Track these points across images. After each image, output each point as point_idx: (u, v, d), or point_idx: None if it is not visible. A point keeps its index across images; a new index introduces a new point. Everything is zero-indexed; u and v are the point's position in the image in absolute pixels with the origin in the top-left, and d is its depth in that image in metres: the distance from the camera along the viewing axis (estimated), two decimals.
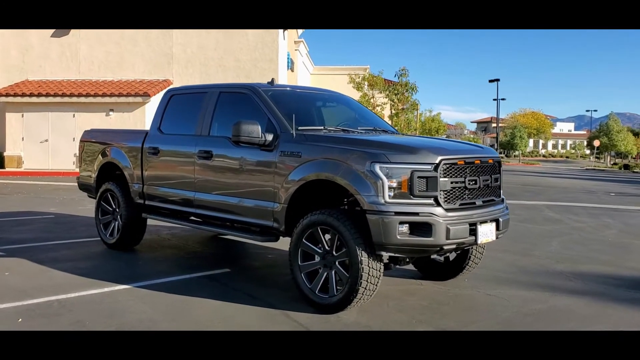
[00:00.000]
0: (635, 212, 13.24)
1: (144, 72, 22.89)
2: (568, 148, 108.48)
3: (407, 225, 4.59)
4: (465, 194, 4.92)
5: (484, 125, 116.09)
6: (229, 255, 7.53)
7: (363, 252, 4.67)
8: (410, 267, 6.21)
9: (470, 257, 5.89)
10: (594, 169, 46.56)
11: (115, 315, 4.81)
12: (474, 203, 5.00)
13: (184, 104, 6.76)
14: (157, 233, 8.65)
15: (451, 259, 6.10)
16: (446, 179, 4.74)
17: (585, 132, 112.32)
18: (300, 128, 5.40)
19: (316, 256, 5.07)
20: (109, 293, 5.47)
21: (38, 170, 21.41)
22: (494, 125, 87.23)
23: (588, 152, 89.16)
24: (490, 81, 58.53)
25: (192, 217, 6.71)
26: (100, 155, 7.72)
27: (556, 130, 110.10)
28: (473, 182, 4.98)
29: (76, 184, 8.37)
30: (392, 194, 4.61)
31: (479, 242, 4.92)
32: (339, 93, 6.96)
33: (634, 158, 68.60)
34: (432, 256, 5.97)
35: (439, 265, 6.17)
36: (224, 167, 5.91)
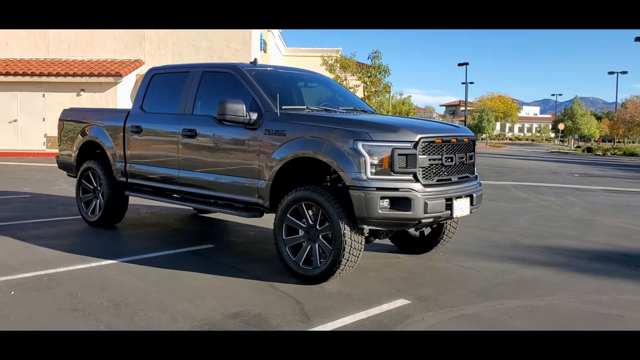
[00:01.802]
0: (598, 192, 13.80)
1: (115, 51, 22.59)
2: (533, 131, 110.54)
3: (387, 200, 4.84)
4: (442, 171, 5.19)
5: (452, 109, 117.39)
6: (211, 232, 7.69)
7: (346, 225, 4.91)
8: (387, 241, 6.49)
9: (444, 231, 6.19)
10: (559, 152, 47.73)
11: (106, 287, 4.96)
12: (450, 179, 5.28)
13: (166, 83, 6.86)
14: (137, 211, 8.75)
15: (426, 233, 6.40)
16: (424, 156, 5.00)
17: (550, 116, 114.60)
18: (283, 107, 5.58)
19: (300, 230, 5.29)
20: (97, 268, 5.60)
21: (6, 150, 21.04)
22: (462, 108, 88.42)
23: (553, 135, 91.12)
24: (460, 65, 59.35)
25: (175, 195, 6.86)
26: (80, 135, 7.75)
27: (522, 113, 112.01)
28: (449, 160, 5.25)
29: (49, 165, 8.44)
30: (373, 170, 4.85)
31: (454, 216, 5.21)
32: (319, 74, 7.15)
33: (596, 141, 70.35)
34: (409, 231, 6.27)
35: (415, 239, 6.46)
36: (208, 145, 6.06)
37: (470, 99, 73.43)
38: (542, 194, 12.82)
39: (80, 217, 7.79)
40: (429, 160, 5.04)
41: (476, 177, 5.82)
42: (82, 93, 21.20)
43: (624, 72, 64.13)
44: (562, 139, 73.56)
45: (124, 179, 7.10)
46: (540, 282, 5.48)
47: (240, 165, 5.75)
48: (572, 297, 5.04)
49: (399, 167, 4.87)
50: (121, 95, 21.42)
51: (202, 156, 6.12)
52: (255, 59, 6.38)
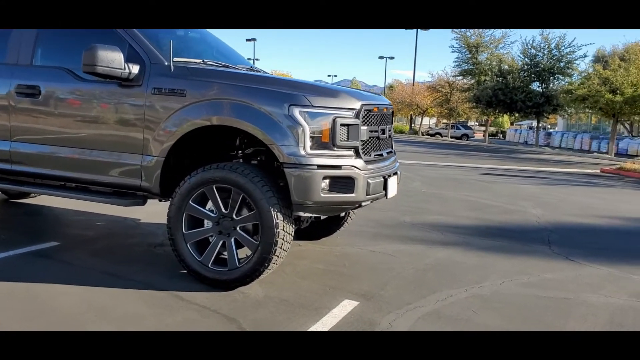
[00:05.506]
0: (419, 166, 14.45)
1: None
2: None
3: (328, 180, 3.92)
4: (376, 145, 4.42)
5: None
6: (43, 225, 5.89)
7: (278, 214, 3.87)
8: None
9: (349, 213, 5.47)
10: None
11: None
12: (382, 155, 4.54)
13: None
14: None
15: (322, 217, 5.59)
16: (365, 127, 4.16)
17: None
18: (176, 59, 4.25)
19: (207, 221, 4.11)
20: None
21: None
22: None
23: None
24: (248, 40, 59.32)
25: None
26: None
27: None
28: (382, 132, 4.50)
29: None
30: (311, 143, 3.88)
31: (388, 196, 4.49)
32: None
33: None
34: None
35: (313, 223, 5.62)
36: (60, 108, 4.42)
37: None
38: None
39: None
40: (369, 132, 4.22)
41: (394, 152, 5.17)
42: None
43: (391, 58, 70.37)
44: None
45: None
46: (461, 266, 5.07)
47: (113, 135, 4.27)
48: (506, 281, 4.69)
49: (341, 140, 3.97)
50: None
51: (51, 124, 4.46)
52: None
